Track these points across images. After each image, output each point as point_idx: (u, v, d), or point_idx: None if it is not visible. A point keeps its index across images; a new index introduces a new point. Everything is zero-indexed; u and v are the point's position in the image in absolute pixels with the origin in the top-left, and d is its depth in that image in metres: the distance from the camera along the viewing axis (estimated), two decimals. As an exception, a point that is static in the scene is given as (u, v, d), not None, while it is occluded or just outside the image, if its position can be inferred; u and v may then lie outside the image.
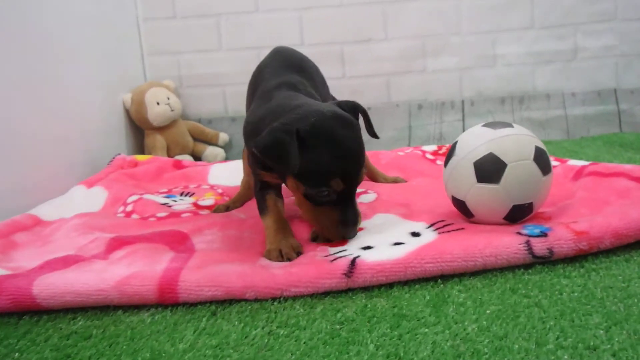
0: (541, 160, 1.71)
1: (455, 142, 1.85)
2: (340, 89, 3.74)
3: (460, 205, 1.81)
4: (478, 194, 1.72)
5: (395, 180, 2.58)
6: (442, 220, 1.83)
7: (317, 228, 1.78)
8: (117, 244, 1.80)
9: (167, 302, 1.46)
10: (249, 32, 3.85)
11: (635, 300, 1.27)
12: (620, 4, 3.72)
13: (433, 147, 3.09)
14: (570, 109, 3.81)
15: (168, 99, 3.59)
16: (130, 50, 3.79)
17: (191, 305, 1.46)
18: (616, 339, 1.11)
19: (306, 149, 1.59)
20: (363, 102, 3.70)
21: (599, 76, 3.81)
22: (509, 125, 1.79)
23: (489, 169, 1.69)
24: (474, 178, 1.71)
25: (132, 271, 1.52)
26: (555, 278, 1.43)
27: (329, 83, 3.70)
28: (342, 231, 1.70)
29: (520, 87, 3.86)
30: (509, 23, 3.78)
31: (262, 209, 1.89)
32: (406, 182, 2.59)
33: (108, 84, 3.41)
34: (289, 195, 1.94)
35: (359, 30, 3.84)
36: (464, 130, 3.70)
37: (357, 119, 1.80)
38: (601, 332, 1.15)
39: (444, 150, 3.04)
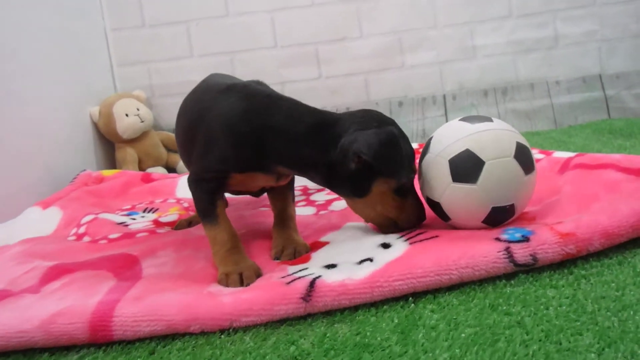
0: (523, 157, 1.55)
1: (430, 138, 1.69)
2: (318, 90, 3.71)
3: (435, 207, 1.64)
4: (454, 195, 1.55)
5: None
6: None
7: (401, 220, 1.66)
8: (55, 273, 1.62)
9: (100, 341, 1.28)
10: (220, 37, 3.74)
11: (631, 312, 1.10)
12: (598, -13, 3.62)
13: (414, 146, 2.92)
14: (556, 98, 3.67)
15: (138, 110, 3.46)
16: (99, 61, 3.67)
17: (128, 343, 1.28)
18: (611, 365, 0.94)
19: None
20: (342, 102, 3.67)
21: (583, 62, 3.69)
22: (488, 119, 1.63)
23: (465, 167, 1.52)
24: (449, 177, 1.55)
25: (62, 307, 1.34)
26: (540, 289, 1.25)
27: (306, 85, 3.63)
28: (421, 213, 1.68)
29: (503, 78, 3.73)
30: (486, 13, 3.67)
31: (209, 215, 1.66)
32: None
33: (75, 97, 3.28)
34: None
35: (334, 29, 3.72)
36: (448, 126, 3.62)
37: None
38: (593, 355, 0.97)
39: (424, 148, 2.89)
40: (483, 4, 3.65)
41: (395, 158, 1.56)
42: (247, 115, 1.62)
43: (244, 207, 2.27)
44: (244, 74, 2.64)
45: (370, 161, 1.51)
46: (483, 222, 1.56)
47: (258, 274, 1.49)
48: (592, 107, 3.65)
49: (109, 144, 3.56)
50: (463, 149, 1.54)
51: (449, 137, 1.60)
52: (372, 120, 1.59)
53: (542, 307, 1.17)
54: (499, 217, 1.55)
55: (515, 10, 3.65)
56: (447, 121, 3.60)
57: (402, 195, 1.61)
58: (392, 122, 1.63)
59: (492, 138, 1.55)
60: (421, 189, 1.70)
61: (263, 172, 1.67)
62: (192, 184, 1.71)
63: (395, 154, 1.56)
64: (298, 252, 1.62)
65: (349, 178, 1.58)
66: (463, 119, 1.66)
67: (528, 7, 3.65)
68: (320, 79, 3.76)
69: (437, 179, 1.59)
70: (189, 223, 2.16)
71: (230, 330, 1.27)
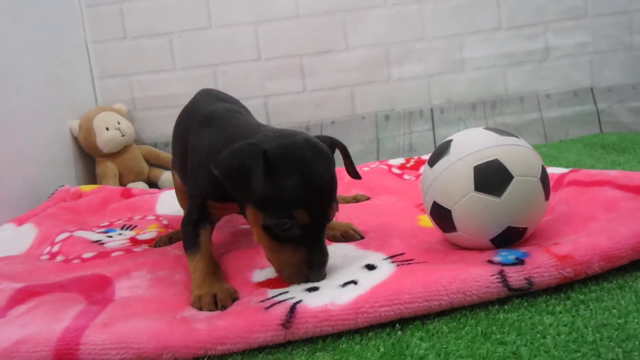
0: (545, 182, 1.49)
1: (449, 141, 1.56)
2: (302, 104, 3.65)
3: (442, 215, 1.51)
4: (471, 205, 1.44)
5: (356, 199, 2.34)
6: (403, 254, 1.57)
7: (275, 268, 1.51)
8: (22, 296, 1.52)
9: (65, 370, 1.20)
10: (203, 49, 3.67)
11: (636, 342, 1.02)
12: (590, -1, 3.57)
13: (400, 161, 2.89)
14: (546, 112, 3.61)
15: (118, 123, 3.39)
16: (80, 74, 3.61)
17: (96, 373, 1.20)
18: (617, 405, 0.86)
19: (271, 173, 1.40)
20: (326, 116, 3.59)
21: (574, 75, 3.63)
22: (514, 134, 1.55)
23: (492, 178, 1.42)
24: (470, 185, 1.43)
25: (26, 333, 1.26)
26: (536, 315, 1.17)
27: (290, 98, 3.56)
28: (306, 273, 1.44)
29: (492, 91, 3.67)
30: (476, 25, 3.61)
31: (192, 245, 1.65)
32: (369, 199, 2.38)
33: (55, 110, 3.22)
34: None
35: (319, 41, 3.66)
36: (435, 141, 3.54)
37: (333, 153, 1.61)
38: (598, 392, 0.89)
39: (412, 163, 2.83)
40: (472, 15, 3.59)
41: (250, 180, 1.37)
42: (225, 146, 1.58)
43: (223, 224, 2.18)
44: (227, 87, 2.56)
45: (216, 172, 1.42)
46: (492, 240, 1.47)
47: (234, 298, 1.42)
48: (584, 121, 3.58)
49: (89, 158, 3.48)
50: (492, 158, 1.44)
51: (476, 143, 1.50)
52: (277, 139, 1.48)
53: (538, 335, 1.10)
54: (510, 238, 1.47)
55: (505, 22, 3.60)
56: (434, 136, 3.58)
57: (279, 240, 1.45)
58: (302, 150, 1.47)
59: (522, 154, 1.48)
60: (427, 193, 1.58)
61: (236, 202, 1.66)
62: (184, 218, 1.76)
63: (251, 177, 1.37)
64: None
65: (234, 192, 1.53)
66: (487, 128, 1.57)
67: (518, 18, 3.59)
68: (305, 92, 3.69)
69: (454, 185, 1.47)
70: (169, 239, 2.10)
71: (205, 359, 1.19)
